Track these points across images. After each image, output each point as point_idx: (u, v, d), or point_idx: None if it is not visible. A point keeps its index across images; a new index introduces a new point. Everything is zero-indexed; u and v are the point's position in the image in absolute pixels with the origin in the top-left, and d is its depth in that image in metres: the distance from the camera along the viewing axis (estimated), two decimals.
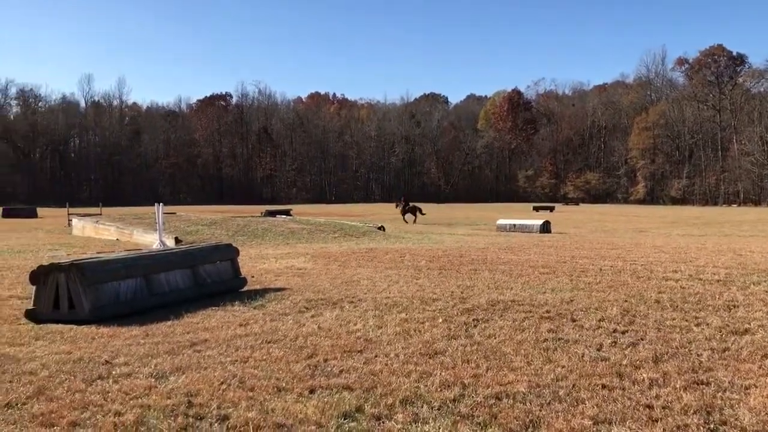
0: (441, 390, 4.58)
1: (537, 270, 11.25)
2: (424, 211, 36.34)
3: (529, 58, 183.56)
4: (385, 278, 10.42)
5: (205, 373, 5.00)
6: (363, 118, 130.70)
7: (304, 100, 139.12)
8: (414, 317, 7.17)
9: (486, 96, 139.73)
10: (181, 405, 4.26)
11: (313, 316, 7.35)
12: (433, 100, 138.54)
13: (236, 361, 5.41)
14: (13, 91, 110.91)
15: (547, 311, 7.43)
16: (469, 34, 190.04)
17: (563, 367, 5.16)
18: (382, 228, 24.27)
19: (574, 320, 6.96)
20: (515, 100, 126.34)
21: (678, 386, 4.63)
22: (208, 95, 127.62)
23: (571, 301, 8.15)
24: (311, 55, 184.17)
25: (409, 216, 34.95)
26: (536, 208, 63.37)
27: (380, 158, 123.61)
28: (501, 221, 29.36)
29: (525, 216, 39.17)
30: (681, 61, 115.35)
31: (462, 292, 8.83)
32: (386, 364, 5.25)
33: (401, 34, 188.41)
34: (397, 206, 39.04)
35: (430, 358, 5.45)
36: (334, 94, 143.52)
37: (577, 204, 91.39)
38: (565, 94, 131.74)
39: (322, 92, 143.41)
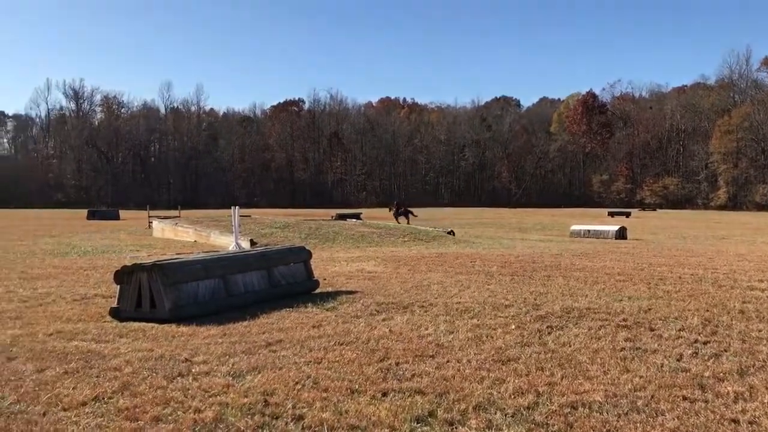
0: (515, 397, 4.53)
1: (613, 277, 10.97)
2: (415, 214, 37.68)
3: (605, 60, 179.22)
4: (456, 283, 10.37)
5: (280, 373, 5.11)
6: (433, 122, 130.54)
7: (374, 104, 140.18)
8: (486, 323, 7.11)
9: (559, 99, 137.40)
10: (257, 404, 4.36)
11: (384, 320, 7.39)
12: (505, 103, 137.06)
13: (310, 361, 5.49)
14: (97, 98, 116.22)
15: (624, 320, 7.23)
16: (542, 36, 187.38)
17: (641, 377, 5.01)
18: (451, 232, 24.16)
19: (652, 329, 6.75)
20: (590, 102, 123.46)
21: (767, 401, 4.43)
22: (281, 101, 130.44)
23: (649, 309, 7.91)
24: (382, 61, 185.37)
25: (402, 219, 36.24)
26: (611, 214, 61.72)
27: (450, 162, 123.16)
28: (575, 227, 28.75)
29: (599, 222, 38.20)
30: (767, 62, 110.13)
31: (535, 299, 8.69)
32: (458, 370, 5.23)
33: (473, 38, 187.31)
34: (390, 210, 40.46)
35: (502, 364, 5.39)
36: (404, 99, 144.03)
37: (654, 210, 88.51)
38: (642, 97, 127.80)
39: (393, 97, 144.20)
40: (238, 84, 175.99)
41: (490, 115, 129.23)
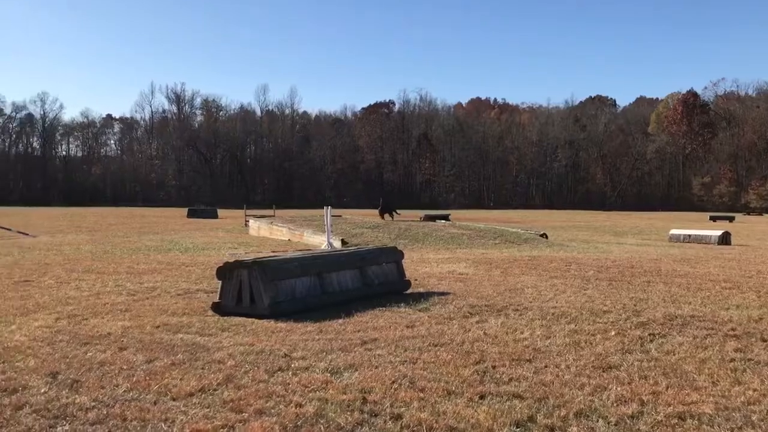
0: (617, 405, 4.38)
1: (718, 284, 10.45)
2: (399, 212, 38.20)
3: (706, 58, 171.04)
4: (551, 287, 10.16)
5: (376, 372, 5.16)
6: (524, 122, 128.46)
7: (464, 105, 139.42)
8: (584, 329, 6.92)
9: (657, 98, 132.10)
10: (356, 401, 4.42)
11: (478, 322, 7.33)
12: (600, 102, 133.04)
13: (405, 361, 5.52)
14: (198, 101, 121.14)
15: (733, 329, 6.87)
16: (639, 33, 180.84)
17: (755, 390, 4.74)
18: (544, 235, 23.68)
19: (764, 340, 6.38)
20: (691, 102, 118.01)
21: None
22: (372, 103, 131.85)
23: (760, 319, 7.49)
24: (473, 61, 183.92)
25: (387, 216, 36.85)
26: (713, 218, 58.76)
27: (541, 163, 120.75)
28: (674, 231, 27.56)
29: (701, 226, 36.48)
30: None
31: (635, 305, 8.39)
32: (557, 375, 5.12)
33: (565, 37, 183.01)
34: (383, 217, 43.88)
35: (603, 371, 5.23)
36: (495, 99, 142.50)
37: (761, 214, 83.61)
38: (749, 95, 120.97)
39: (483, 97, 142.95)
40: (330, 86, 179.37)
41: (584, 115, 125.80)
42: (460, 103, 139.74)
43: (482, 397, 4.58)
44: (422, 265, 13.57)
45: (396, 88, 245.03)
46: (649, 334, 6.60)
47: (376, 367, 5.30)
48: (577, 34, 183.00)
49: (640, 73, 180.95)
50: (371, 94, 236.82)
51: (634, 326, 7.00)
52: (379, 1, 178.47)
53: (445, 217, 37.78)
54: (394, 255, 10.11)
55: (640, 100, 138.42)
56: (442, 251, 17.57)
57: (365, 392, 4.61)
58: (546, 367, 5.38)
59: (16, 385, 4.77)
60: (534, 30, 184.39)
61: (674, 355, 5.79)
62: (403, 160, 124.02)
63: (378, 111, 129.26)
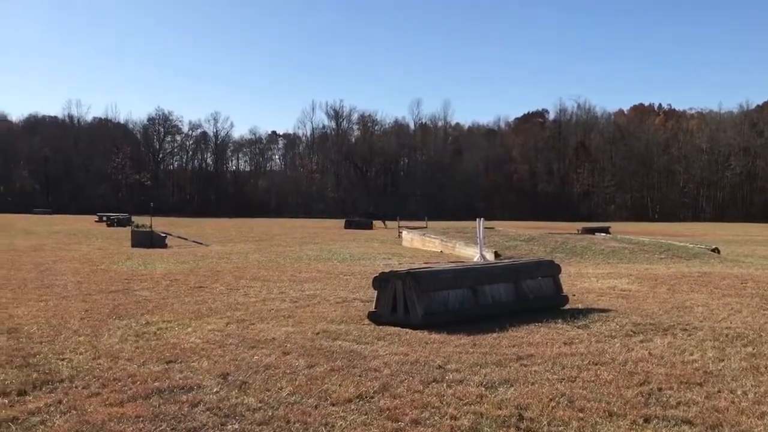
0: None
1: None
2: (386, 225, 45.12)
3: None
4: (724, 306, 9.40)
5: (533, 388, 5.03)
6: (693, 129, 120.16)
7: (625, 112, 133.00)
8: (763, 352, 6.34)
9: None
10: (512, 417, 4.34)
11: (642, 341, 6.94)
12: None
13: (563, 379, 5.34)
14: (354, 117, 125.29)
15: None
16: None
17: None
18: (716, 250, 21.96)
19: None
20: None
21: None
22: (525, 112, 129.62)
23: None
24: (635, 65, 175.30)
25: (379, 224, 45.21)
26: None
27: (712, 173, 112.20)
28: None
29: None
30: None
31: None
32: (732, 402, 4.72)
33: (738, 37, 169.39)
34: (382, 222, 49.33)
35: None
36: (660, 105, 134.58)
37: None
38: None
39: (646, 103, 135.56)
40: (483, 97, 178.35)
41: (761, 120, 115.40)
42: (621, 110, 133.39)
43: (647, 420, 4.32)
44: (580, 279, 13.09)
45: (551, 96, 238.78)
46: None
47: (533, 384, 5.17)
48: (753, 34, 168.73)
49: None
50: (525, 103, 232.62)
51: None
52: (529, 12, 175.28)
53: (605, 230, 36.20)
54: (551, 269, 9.83)
55: None
56: (602, 266, 16.84)
57: (521, 409, 4.51)
58: (719, 392, 4.98)
59: (191, 384, 5.17)
60: (702, 32, 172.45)
61: None
62: (558, 170, 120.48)
63: (532, 120, 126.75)
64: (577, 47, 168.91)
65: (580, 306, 9.48)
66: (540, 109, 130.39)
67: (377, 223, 48.11)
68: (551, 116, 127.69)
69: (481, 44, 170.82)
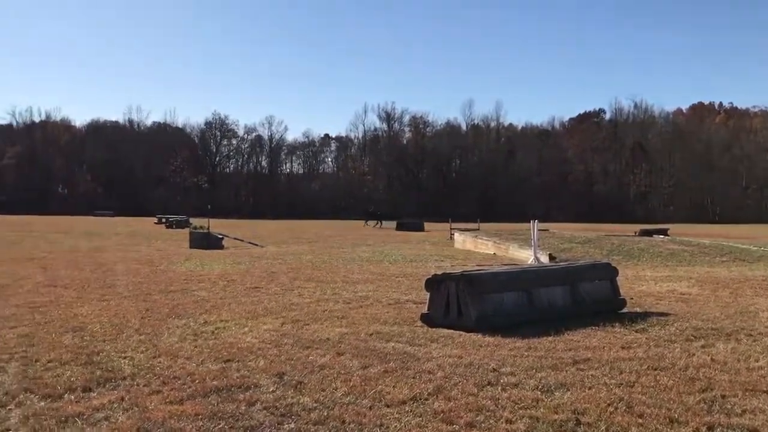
0: None
1: None
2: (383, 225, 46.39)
3: None
4: None
5: (590, 393, 4.95)
6: (756, 127, 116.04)
7: (684, 111, 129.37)
8: None
9: None
10: (569, 422, 4.27)
11: (703, 347, 6.74)
12: None
13: (621, 384, 5.23)
14: (406, 119, 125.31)
15: None
16: None
17: None
18: None
19: None
20: None
21: None
22: (580, 112, 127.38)
23: None
24: (694, 64, 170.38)
25: (374, 222, 47.05)
26: None
27: None
28: None
29: None
30: None
31: None
32: None
33: None
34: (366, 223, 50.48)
35: None
36: (720, 103, 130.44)
37: None
38: None
39: (706, 102, 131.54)
40: (536, 97, 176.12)
41: None
42: (679, 109, 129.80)
43: (710, 428, 4.21)
44: (638, 282, 12.80)
45: (607, 95, 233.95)
46: None
47: (590, 388, 5.08)
48: None
49: None
50: (580, 103, 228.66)
51: None
52: (584, 10, 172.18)
53: (663, 232, 35.26)
54: (608, 271, 9.64)
55: None
56: (660, 268, 16.42)
57: (578, 413, 4.44)
58: None
59: (248, 383, 5.26)
60: (764, 28, 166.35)
61: None
62: (614, 171, 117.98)
63: (587, 120, 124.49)
64: (633, 45, 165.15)
65: (638, 309, 9.28)
66: (595, 108, 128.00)
67: (371, 223, 49.65)
68: (607, 116, 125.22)
69: (534, 43, 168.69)
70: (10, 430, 4.21)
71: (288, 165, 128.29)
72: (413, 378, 5.40)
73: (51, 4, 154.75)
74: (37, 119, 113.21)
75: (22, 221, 50.66)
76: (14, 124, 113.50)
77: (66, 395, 4.94)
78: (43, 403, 4.74)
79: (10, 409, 4.61)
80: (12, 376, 5.47)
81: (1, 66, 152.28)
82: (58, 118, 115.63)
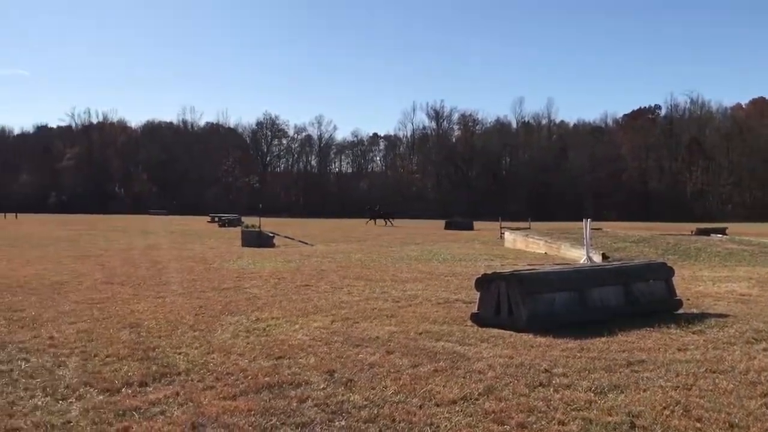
0: None
1: None
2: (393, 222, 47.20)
3: None
4: None
5: (645, 395, 4.84)
6: None
7: (744, 106, 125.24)
8: None
9: None
10: (623, 424, 4.19)
11: (765, 350, 6.52)
12: None
13: (677, 387, 5.10)
14: (455, 117, 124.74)
15: None
16: None
17: None
18: None
19: None
20: None
21: None
22: (635, 109, 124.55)
23: None
24: (752, 58, 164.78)
25: (380, 221, 47.26)
26: None
27: None
28: None
29: None
30: None
31: None
32: None
33: None
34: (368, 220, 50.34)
35: None
36: None
37: None
38: None
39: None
40: (588, 94, 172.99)
41: None
42: (739, 104, 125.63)
43: None
44: (695, 283, 12.46)
45: (662, 91, 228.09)
46: None
47: (645, 391, 4.97)
48: None
49: None
50: (634, 99, 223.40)
51: None
52: (636, 4, 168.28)
53: (722, 231, 34.22)
54: (663, 271, 9.41)
55: None
56: (718, 269, 15.93)
57: (633, 416, 4.35)
58: None
59: (299, 380, 5.31)
60: None
61: None
62: (670, 168, 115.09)
63: (642, 116, 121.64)
64: (688, 40, 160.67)
65: (694, 311, 9.03)
66: (650, 104, 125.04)
67: (379, 222, 49.50)
68: (662, 112, 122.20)
69: (586, 39, 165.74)
70: (71, 422, 4.34)
71: (337, 164, 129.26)
72: (463, 377, 5.37)
73: (107, 8, 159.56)
74: (94, 121, 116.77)
75: (80, 220, 52.39)
76: (73, 125, 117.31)
77: (123, 389, 5.08)
78: (101, 397, 4.88)
79: (71, 402, 4.76)
80: (72, 371, 5.65)
81: (61, 68, 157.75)
82: (115, 120, 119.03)
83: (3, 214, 59.96)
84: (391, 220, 50.74)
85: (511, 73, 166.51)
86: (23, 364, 5.87)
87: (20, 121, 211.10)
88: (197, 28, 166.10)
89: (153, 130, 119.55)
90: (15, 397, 4.88)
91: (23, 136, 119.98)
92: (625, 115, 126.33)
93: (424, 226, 53.03)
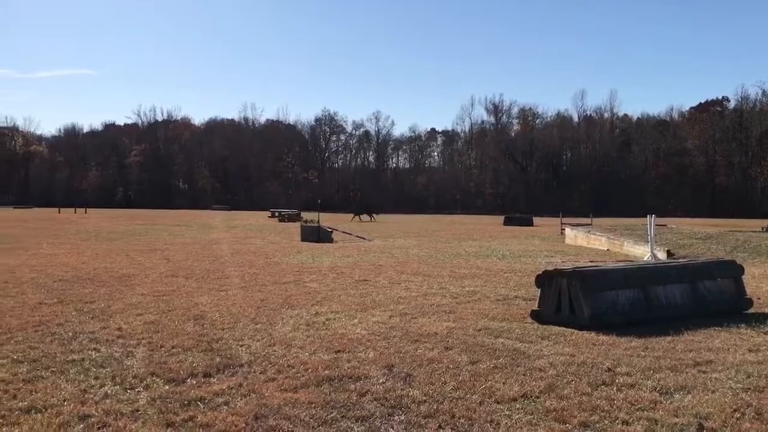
0: None
1: None
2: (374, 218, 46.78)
3: None
4: None
5: (713, 397, 4.69)
6: None
7: None
8: None
9: None
10: (690, 426, 4.08)
11: None
12: None
13: (749, 389, 4.93)
14: (514, 111, 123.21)
15: None
16: None
17: None
18: None
19: None
20: None
21: None
22: (702, 101, 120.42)
23: None
24: None
25: (365, 217, 47.00)
26: None
27: None
28: None
29: None
30: None
31: None
32: None
33: None
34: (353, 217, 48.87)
35: None
36: None
37: None
38: None
39: None
40: (653, 87, 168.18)
41: None
42: None
43: None
44: (766, 281, 12.00)
45: (731, 83, 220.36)
46: None
47: (713, 392, 4.82)
48: None
49: None
50: (701, 91, 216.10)
51: None
52: None
53: None
54: (732, 269, 9.09)
55: None
56: None
57: (701, 418, 4.22)
58: None
59: (359, 374, 5.36)
60: None
61: None
62: (740, 162, 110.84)
63: (709, 109, 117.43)
64: (759, 28, 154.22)
65: (766, 310, 8.70)
66: (718, 97, 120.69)
67: (363, 217, 48.48)
68: (731, 104, 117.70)
69: (651, 28, 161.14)
70: (139, 410, 4.49)
71: (395, 159, 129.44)
72: (524, 375, 5.32)
73: (170, 10, 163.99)
74: (159, 118, 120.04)
75: (147, 215, 54.04)
76: (139, 123, 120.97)
77: (188, 380, 5.21)
78: (167, 387, 5.03)
79: (138, 391, 4.92)
80: (139, 361, 5.84)
81: (126, 68, 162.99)
82: (179, 117, 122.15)
83: (74, 209, 62.47)
84: (374, 215, 50.51)
85: (573, 67, 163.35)
86: (94, 353, 6.09)
87: (89, 119, 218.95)
88: (255, 26, 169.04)
89: (215, 127, 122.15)
90: (86, 385, 5.07)
91: (92, 133, 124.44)
92: (691, 107, 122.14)
93: (482, 221, 52.57)
